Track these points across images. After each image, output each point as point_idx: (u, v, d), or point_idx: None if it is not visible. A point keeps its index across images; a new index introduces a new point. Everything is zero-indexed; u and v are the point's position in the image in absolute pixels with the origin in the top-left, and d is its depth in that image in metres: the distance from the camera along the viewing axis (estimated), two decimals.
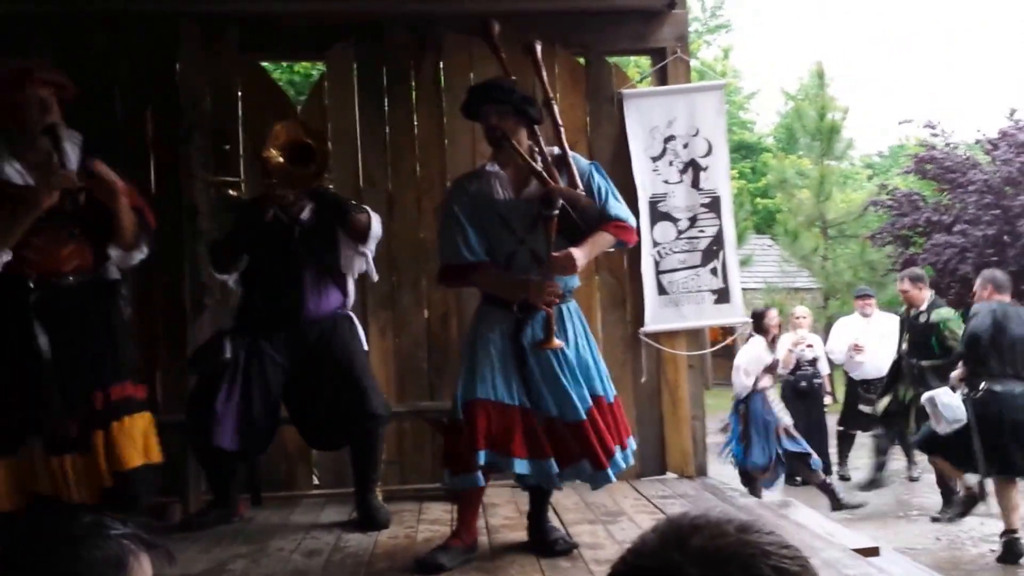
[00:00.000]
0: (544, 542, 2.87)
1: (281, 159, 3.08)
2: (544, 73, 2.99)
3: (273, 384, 3.21)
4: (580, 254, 2.73)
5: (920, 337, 5.69)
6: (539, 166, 2.78)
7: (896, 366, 5.99)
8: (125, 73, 3.98)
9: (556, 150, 2.88)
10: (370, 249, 3.28)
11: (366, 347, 3.45)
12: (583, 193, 2.79)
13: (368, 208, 3.30)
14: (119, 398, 2.78)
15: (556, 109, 2.95)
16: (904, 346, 5.88)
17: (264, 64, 4.57)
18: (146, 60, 3.99)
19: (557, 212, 2.69)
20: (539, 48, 2.99)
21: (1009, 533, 4.65)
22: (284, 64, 10.79)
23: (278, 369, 3.22)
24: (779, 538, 0.72)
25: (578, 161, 2.89)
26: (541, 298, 2.71)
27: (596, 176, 2.88)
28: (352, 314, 3.41)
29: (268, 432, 3.29)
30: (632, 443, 2.95)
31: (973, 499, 4.87)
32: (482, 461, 2.69)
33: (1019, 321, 4.79)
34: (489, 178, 2.87)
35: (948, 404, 4.81)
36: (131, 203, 2.81)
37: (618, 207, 2.87)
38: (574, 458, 2.74)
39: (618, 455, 2.80)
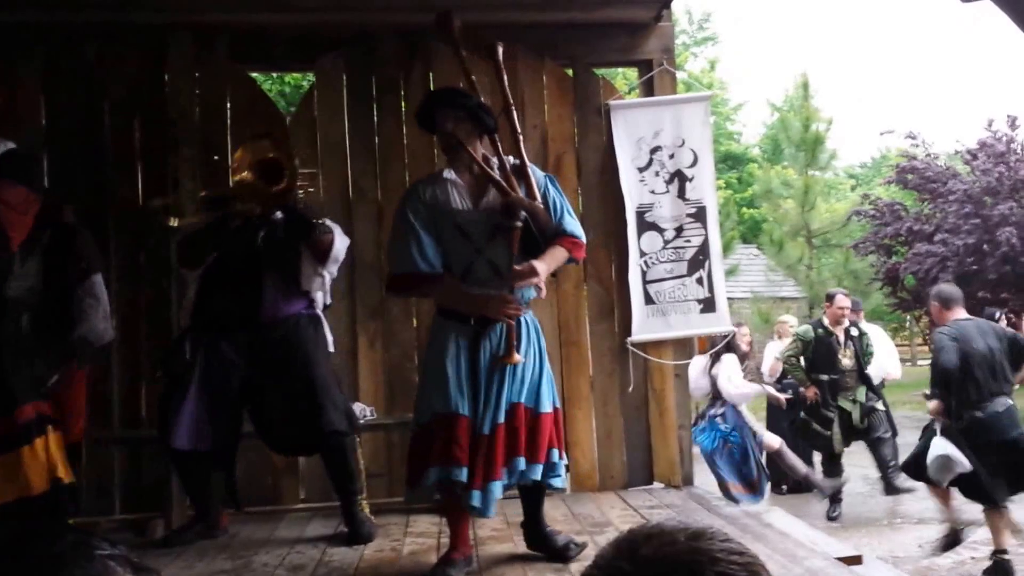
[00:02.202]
0: (553, 549, 2.85)
1: (251, 177, 3.06)
2: (505, 78, 2.93)
3: (230, 386, 3.15)
4: (542, 266, 2.69)
5: (860, 349, 6.19)
6: (497, 175, 2.75)
7: (834, 385, 6.12)
8: (114, 83, 3.96)
9: (514, 160, 2.84)
10: (330, 272, 3.21)
11: (332, 348, 3.36)
12: (540, 205, 2.76)
13: (338, 229, 3.22)
14: (27, 419, 2.68)
15: (515, 117, 2.90)
16: (846, 361, 6.13)
17: (254, 75, 4.55)
18: (135, 71, 3.98)
19: (520, 224, 2.68)
20: (501, 50, 2.93)
21: (999, 553, 4.62)
22: (274, 75, 10.76)
23: (235, 370, 3.16)
24: (732, 545, 0.72)
25: (535, 172, 2.85)
26: (501, 312, 2.69)
27: (552, 189, 2.83)
28: (319, 314, 3.31)
29: (229, 436, 3.21)
30: (558, 460, 2.80)
31: (955, 539, 4.75)
32: (432, 479, 2.67)
33: (981, 335, 4.69)
34: (446, 185, 2.79)
35: (952, 456, 4.75)
36: None
37: (573, 223, 2.85)
38: (493, 475, 2.67)
39: (517, 470, 2.70)
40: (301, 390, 3.13)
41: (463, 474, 2.64)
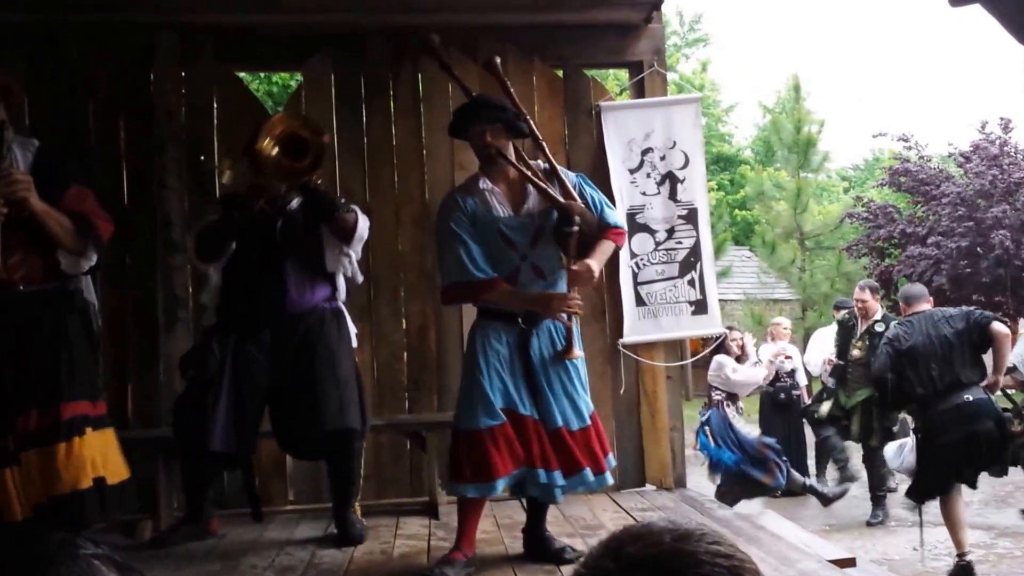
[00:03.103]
0: (550, 551, 2.90)
1: (275, 152, 3.01)
2: (511, 88, 2.97)
3: (258, 386, 3.13)
4: (595, 264, 2.81)
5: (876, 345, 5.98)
6: (541, 182, 2.82)
7: (842, 371, 6.12)
8: (98, 84, 3.93)
9: (542, 163, 2.92)
10: (355, 251, 3.20)
11: (355, 343, 3.35)
12: (581, 205, 2.85)
13: (357, 208, 3.23)
14: (70, 417, 2.68)
15: (533, 124, 2.97)
16: (856, 352, 6.06)
17: (241, 74, 4.53)
18: (120, 70, 3.95)
19: (578, 228, 2.75)
20: (499, 62, 3.00)
21: (961, 556, 4.48)
22: (261, 75, 10.73)
23: (262, 371, 3.14)
24: (720, 547, 0.71)
25: (566, 174, 2.93)
26: (562, 308, 2.77)
27: (587, 187, 2.95)
28: (342, 307, 3.30)
29: (253, 438, 3.21)
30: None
31: (967, 571, 4.49)
32: (499, 489, 2.77)
33: (933, 325, 4.51)
34: (485, 195, 2.85)
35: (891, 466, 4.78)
36: (77, 208, 2.74)
37: (614, 215, 2.99)
38: (577, 467, 2.80)
39: (610, 458, 2.92)
40: (324, 388, 3.12)
41: (543, 475, 2.75)
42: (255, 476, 3.43)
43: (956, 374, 4.40)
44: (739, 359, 6.03)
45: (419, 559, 2.98)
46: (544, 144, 2.95)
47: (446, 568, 2.72)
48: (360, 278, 3.35)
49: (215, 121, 3.99)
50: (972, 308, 4.89)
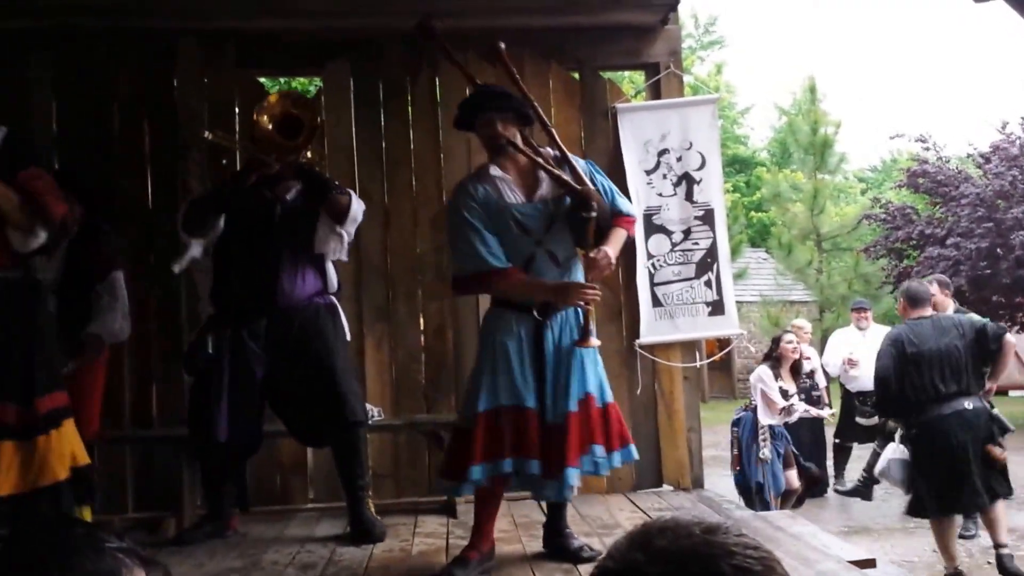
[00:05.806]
0: (568, 550, 2.90)
1: (269, 126, 3.10)
2: (517, 75, 2.98)
3: (255, 377, 3.17)
4: (612, 252, 2.81)
5: None
6: (553, 169, 2.82)
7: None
8: (123, 88, 4.00)
9: (550, 151, 2.91)
10: (347, 231, 3.22)
11: (348, 337, 3.39)
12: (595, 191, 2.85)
13: (352, 192, 3.27)
14: (48, 410, 2.70)
15: (540, 112, 2.98)
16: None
17: (262, 79, 4.59)
18: (144, 75, 4.02)
19: (595, 214, 2.76)
20: (503, 47, 2.99)
21: (999, 547, 4.44)
22: (282, 79, 10.82)
23: (260, 363, 3.17)
24: (747, 539, 0.73)
25: (576, 160, 2.93)
26: (582, 297, 2.76)
27: (597, 174, 2.95)
28: (335, 301, 3.34)
29: (257, 429, 3.24)
30: (630, 451, 2.93)
31: None
32: (477, 476, 2.71)
33: (938, 333, 4.38)
34: (496, 182, 2.83)
35: (889, 471, 4.65)
36: (30, 186, 2.66)
37: (625, 202, 2.98)
38: (568, 463, 2.71)
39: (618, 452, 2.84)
40: (322, 380, 3.16)
41: (536, 466, 2.72)
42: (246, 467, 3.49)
43: (960, 382, 4.34)
44: (792, 366, 5.78)
45: (438, 557, 3.00)
46: (553, 130, 2.96)
47: (456, 569, 2.72)
48: (345, 257, 3.36)
49: (237, 125, 4.05)
50: (984, 320, 4.77)
